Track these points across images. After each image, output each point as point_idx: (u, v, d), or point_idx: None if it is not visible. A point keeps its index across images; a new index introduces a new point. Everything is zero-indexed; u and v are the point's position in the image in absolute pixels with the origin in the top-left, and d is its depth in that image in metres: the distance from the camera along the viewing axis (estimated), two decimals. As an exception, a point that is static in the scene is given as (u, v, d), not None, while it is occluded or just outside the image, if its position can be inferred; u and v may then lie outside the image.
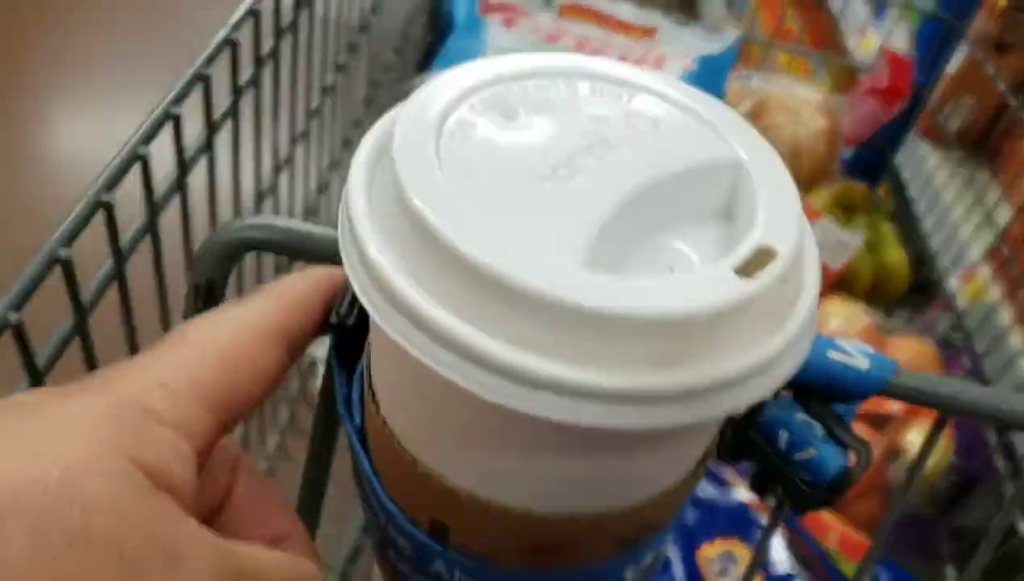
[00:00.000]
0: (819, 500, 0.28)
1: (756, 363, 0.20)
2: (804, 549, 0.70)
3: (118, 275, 0.35)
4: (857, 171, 1.00)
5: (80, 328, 0.34)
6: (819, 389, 0.27)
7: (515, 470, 0.22)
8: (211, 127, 0.43)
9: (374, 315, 0.20)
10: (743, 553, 0.69)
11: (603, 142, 0.22)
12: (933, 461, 0.79)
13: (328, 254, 0.29)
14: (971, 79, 1.02)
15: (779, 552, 0.69)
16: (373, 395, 0.24)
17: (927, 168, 1.05)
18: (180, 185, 0.40)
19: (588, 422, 0.19)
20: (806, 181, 0.90)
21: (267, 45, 0.49)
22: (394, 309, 0.20)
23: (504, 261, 0.19)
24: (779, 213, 0.21)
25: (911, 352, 0.85)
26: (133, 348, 0.38)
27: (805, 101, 0.92)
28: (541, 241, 0.20)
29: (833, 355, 0.27)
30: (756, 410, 0.28)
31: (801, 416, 0.27)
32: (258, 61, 0.47)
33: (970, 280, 0.93)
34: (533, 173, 0.21)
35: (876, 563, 0.70)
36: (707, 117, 0.24)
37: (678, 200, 0.22)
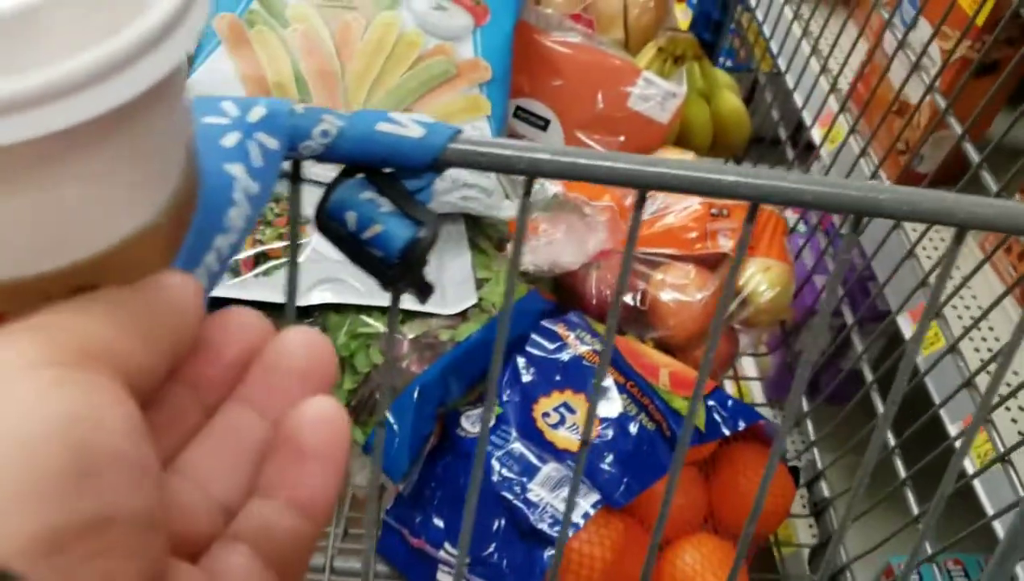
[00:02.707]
0: (398, 274, 0.28)
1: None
2: (636, 391, 0.71)
3: None
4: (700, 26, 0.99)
5: None
6: (377, 163, 0.27)
7: None
8: None
9: None
10: (579, 402, 0.70)
11: None
12: (774, 295, 0.80)
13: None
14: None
15: (614, 396, 0.70)
16: None
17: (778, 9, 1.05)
18: None
19: None
20: (635, 42, 0.89)
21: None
22: None
23: None
24: None
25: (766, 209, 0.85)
26: None
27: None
28: None
29: (383, 127, 0.27)
30: (324, 196, 0.28)
31: (367, 195, 0.28)
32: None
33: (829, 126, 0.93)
34: None
35: (710, 397, 0.72)
36: None
37: None
